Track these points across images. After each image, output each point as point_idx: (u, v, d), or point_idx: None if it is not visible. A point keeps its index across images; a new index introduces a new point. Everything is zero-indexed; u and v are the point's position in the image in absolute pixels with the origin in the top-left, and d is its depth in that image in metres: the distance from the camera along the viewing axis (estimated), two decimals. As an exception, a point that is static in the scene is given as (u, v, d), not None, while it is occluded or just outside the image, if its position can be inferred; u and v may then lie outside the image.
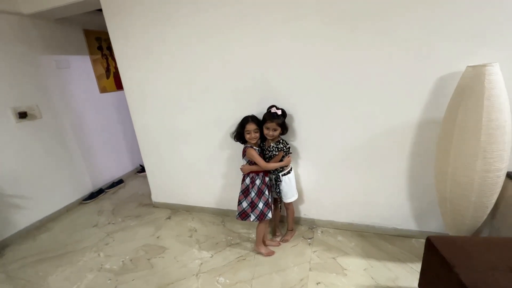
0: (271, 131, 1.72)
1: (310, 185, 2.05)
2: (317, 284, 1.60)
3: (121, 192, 3.21)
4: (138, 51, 2.15)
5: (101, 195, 3.12)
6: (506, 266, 1.10)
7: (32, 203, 2.51)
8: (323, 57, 1.68)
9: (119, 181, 3.39)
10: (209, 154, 2.26)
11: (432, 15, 1.43)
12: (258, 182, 1.78)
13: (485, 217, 1.46)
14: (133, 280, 1.77)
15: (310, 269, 1.72)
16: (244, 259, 1.87)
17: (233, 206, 2.37)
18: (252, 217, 1.76)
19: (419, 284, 1.44)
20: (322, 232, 2.08)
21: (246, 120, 1.79)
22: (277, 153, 1.79)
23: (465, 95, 1.32)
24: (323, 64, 1.70)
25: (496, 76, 1.24)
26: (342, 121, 1.79)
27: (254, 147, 1.78)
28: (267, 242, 1.96)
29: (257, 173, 1.79)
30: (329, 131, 1.84)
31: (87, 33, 3.01)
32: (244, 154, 1.82)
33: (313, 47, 1.68)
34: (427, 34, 1.46)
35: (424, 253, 1.36)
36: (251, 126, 1.75)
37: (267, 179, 1.81)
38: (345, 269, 1.69)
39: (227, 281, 1.69)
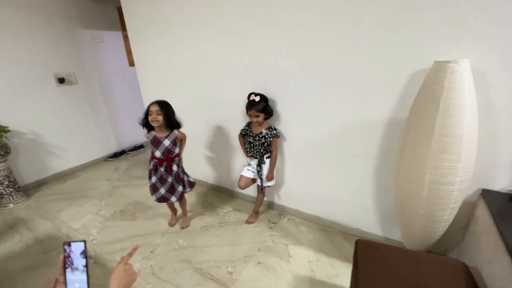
0: (254, 118, 1.76)
1: (282, 173, 2.06)
2: (258, 263, 1.68)
3: (140, 156, 3.66)
4: (147, 28, 2.36)
5: (123, 155, 3.63)
6: (413, 282, 1.02)
7: (66, 154, 3.09)
8: (294, 45, 1.63)
9: (140, 146, 3.85)
10: (201, 129, 2.42)
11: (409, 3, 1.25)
12: (175, 168, 1.81)
13: (437, 233, 1.31)
14: (115, 226, 2.12)
15: (259, 250, 1.80)
16: (207, 229, 2.04)
17: (219, 181, 2.55)
18: (174, 198, 1.88)
19: (350, 286, 1.41)
20: (288, 219, 2.10)
21: (151, 103, 1.70)
22: (271, 139, 1.81)
23: (425, 95, 1.16)
24: (294, 53, 1.65)
25: (459, 75, 1.06)
26: (313, 113, 1.73)
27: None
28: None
29: (172, 160, 1.79)
30: (301, 122, 1.80)
31: (121, 10, 3.35)
32: (156, 141, 1.75)
33: (287, 35, 1.63)
34: (402, 24, 1.29)
35: (353, 256, 1.32)
36: (153, 107, 1.66)
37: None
38: (291, 257, 1.72)
39: (184, 243, 1.89)
